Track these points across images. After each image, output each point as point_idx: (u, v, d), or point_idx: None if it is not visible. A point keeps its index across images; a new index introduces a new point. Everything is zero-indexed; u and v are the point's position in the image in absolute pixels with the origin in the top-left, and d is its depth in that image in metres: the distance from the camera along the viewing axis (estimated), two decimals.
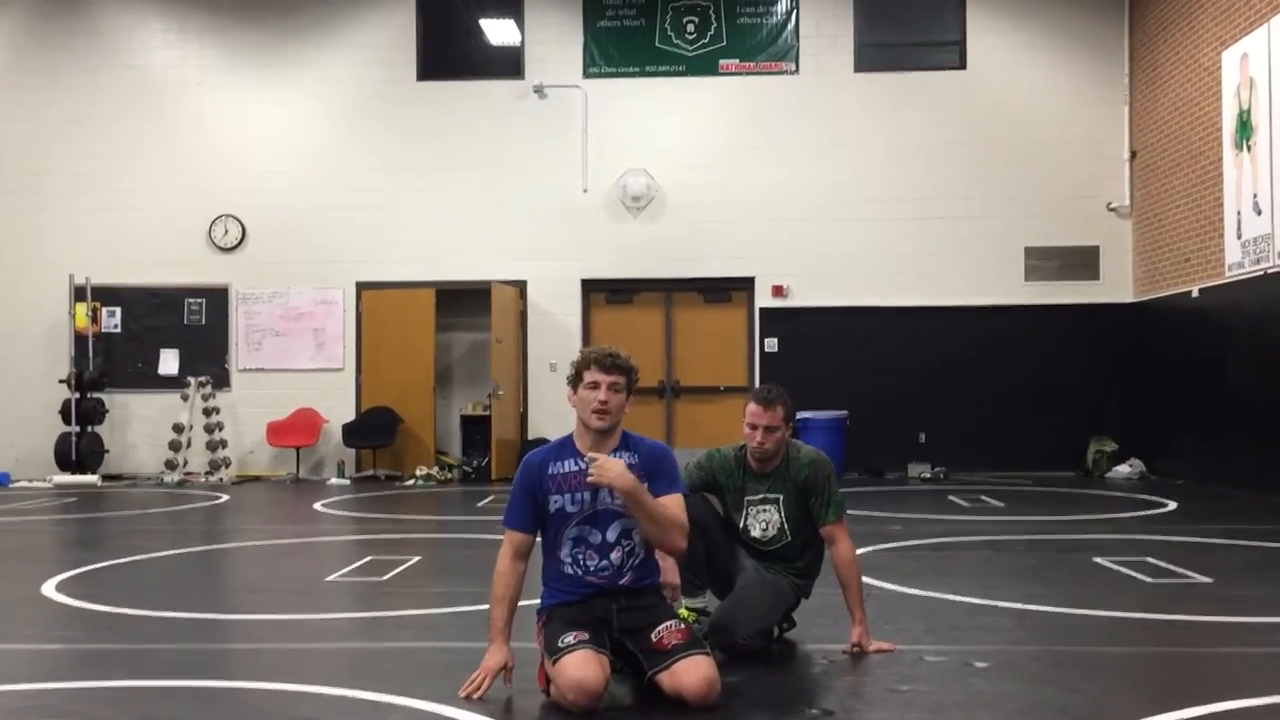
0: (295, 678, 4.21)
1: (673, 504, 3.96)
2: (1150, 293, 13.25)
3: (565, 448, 4.00)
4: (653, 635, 3.83)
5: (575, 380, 3.97)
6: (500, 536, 4.05)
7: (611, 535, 3.89)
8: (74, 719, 3.77)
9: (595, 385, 3.90)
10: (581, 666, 3.64)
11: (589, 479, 3.81)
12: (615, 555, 3.90)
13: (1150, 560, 6.79)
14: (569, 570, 3.92)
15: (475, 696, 3.79)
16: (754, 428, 4.54)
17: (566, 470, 3.94)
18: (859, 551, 5.35)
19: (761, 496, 4.63)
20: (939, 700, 3.89)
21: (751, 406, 4.57)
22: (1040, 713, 3.76)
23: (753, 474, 4.64)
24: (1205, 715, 3.68)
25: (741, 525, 4.66)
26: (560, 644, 3.73)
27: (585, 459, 3.91)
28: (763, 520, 4.63)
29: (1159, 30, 13.00)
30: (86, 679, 4.27)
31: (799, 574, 4.68)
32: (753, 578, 4.58)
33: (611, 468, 3.78)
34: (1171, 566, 6.59)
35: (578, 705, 3.63)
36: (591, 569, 3.91)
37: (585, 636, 3.75)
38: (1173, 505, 10.12)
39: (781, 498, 4.61)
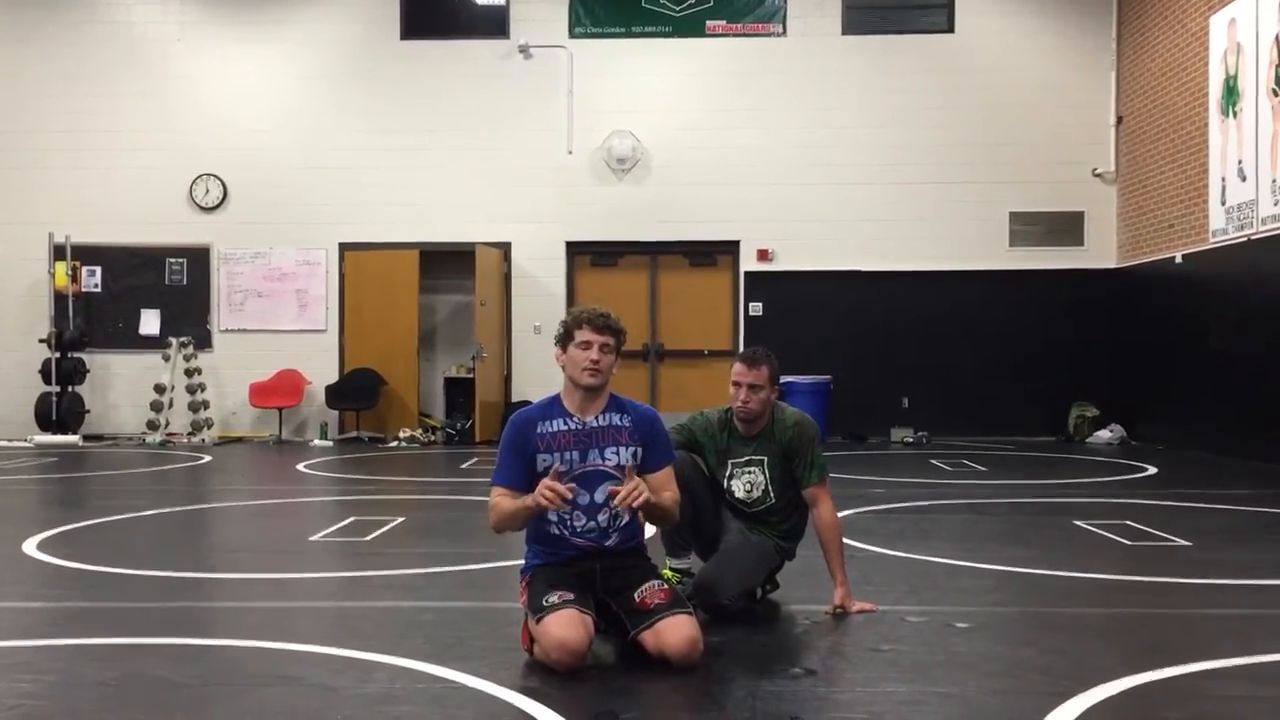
0: (279, 636, 4.22)
1: (667, 479, 4.02)
2: (1134, 259, 13.29)
3: (554, 407, 3.98)
4: (636, 595, 3.84)
5: (565, 339, 3.95)
6: (484, 497, 4.04)
7: (600, 496, 3.89)
8: (56, 676, 3.76)
9: (587, 345, 3.88)
10: (565, 625, 3.64)
11: (614, 502, 3.79)
12: (602, 517, 3.90)
13: (1130, 524, 6.84)
14: (555, 530, 3.92)
15: (568, 493, 3.71)
16: (738, 386, 4.53)
17: (555, 429, 3.91)
18: (842, 514, 5.38)
19: (746, 459, 4.62)
20: (921, 660, 3.91)
21: (737, 365, 4.56)
22: (1021, 672, 3.79)
23: (738, 436, 4.63)
24: (1184, 675, 3.72)
25: (725, 486, 4.66)
26: (544, 603, 3.73)
27: (573, 420, 3.91)
28: (746, 482, 4.62)
29: None
30: (68, 636, 4.26)
31: (783, 536, 4.69)
32: (737, 539, 4.59)
33: (629, 496, 3.75)
34: (1151, 530, 6.64)
35: (561, 664, 3.64)
36: (578, 529, 3.91)
37: (570, 596, 3.75)
38: (1153, 470, 10.20)
39: (766, 459, 4.60)
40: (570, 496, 3.74)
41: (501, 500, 3.88)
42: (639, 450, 3.96)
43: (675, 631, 3.71)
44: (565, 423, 3.92)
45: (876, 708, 3.41)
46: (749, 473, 4.62)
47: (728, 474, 4.64)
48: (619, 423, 3.95)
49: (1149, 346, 12.85)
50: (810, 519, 4.64)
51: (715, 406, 4.75)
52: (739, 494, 4.64)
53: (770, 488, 4.61)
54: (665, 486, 4.02)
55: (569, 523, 3.91)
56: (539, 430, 3.91)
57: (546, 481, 3.72)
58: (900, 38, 13.91)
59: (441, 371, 14.46)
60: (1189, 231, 11.88)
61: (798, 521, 4.70)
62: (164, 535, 7.12)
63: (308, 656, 3.96)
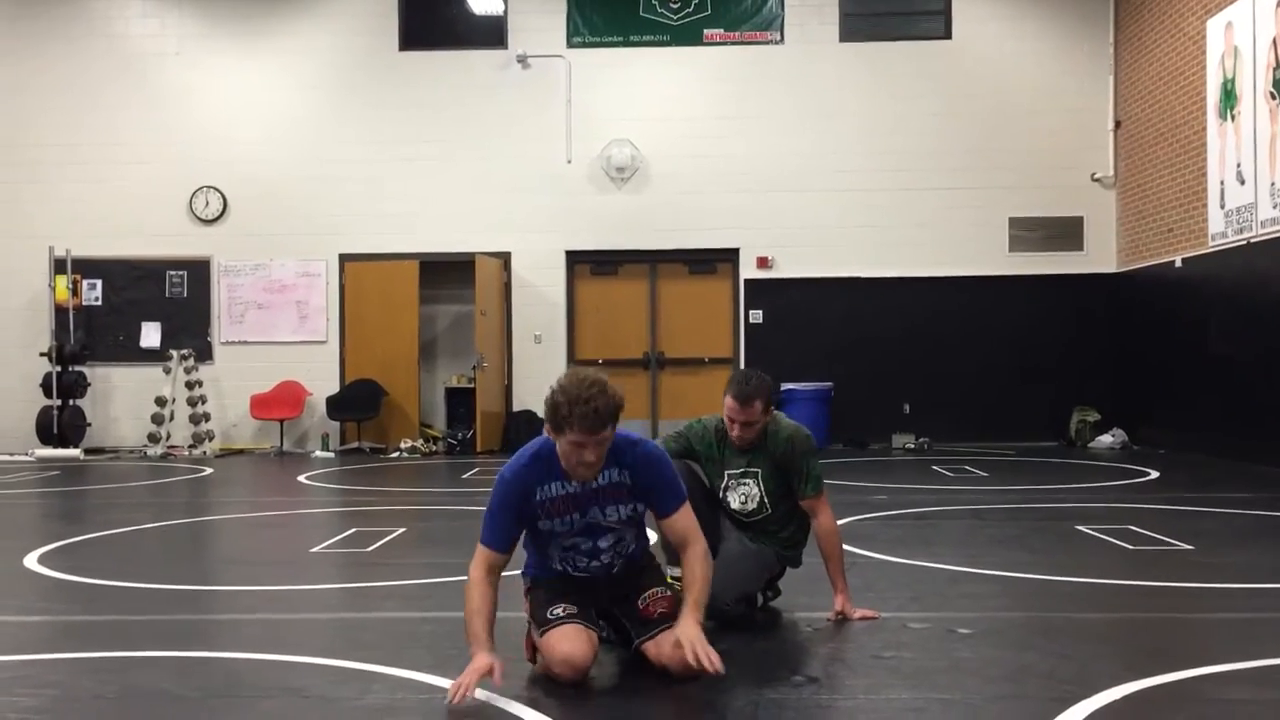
0: (280, 648, 4.21)
1: (686, 522, 3.75)
2: (1134, 263, 13.29)
3: (551, 467, 3.65)
4: (640, 602, 3.81)
5: (554, 429, 3.56)
6: (486, 507, 4.02)
7: (604, 544, 3.79)
8: (57, 690, 3.75)
9: (580, 445, 3.52)
10: (570, 641, 3.63)
11: (683, 661, 3.56)
12: (606, 556, 3.82)
13: (1132, 528, 6.83)
14: (557, 566, 3.85)
15: (458, 700, 3.42)
16: (732, 421, 4.48)
17: (555, 494, 3.69)
18: (845, 520, 5.39)
19: (741, 470, 4.60)
20: (923, 666, 3.91)
21: (729, 401, 4.45)
22: (1024, 678, 3.78)
23: (732, 448, 4.61)
24: (1187, 679, 3.71)
25: (721, 496, 4.65)
26: (549, 615, 3.70)
27: (572, 484, 3.68)
28: (741, 494, 4.60)
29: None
30: (69, 650, 4.25)
31: (784, 545, 4.67)
32: (735, 548, 4.57)
33: (697, 644, 3.54)
34: (1153, 534, 6.63)
35: (564, 678, 3.63)
36: (582, 567, 3.84)
37: (574, 609, 3.73)
38: (1154, 474, 10.19)
39: (760, 472, 4.58)
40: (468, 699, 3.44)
41: (474, 595, 3.60)
42: (637, 505, 3.76)
43: (677, 642, 3.69)
44: (564, 487, 3.68)
45: (879, 715, 3.41)
46: (744, 485, 4.60)
47: (724, 484, 4.63)
48: (618, 479, 3.70)
49: (1150, 351, 12.84)
50: (812, 528, 4.62)
51: (712, 414, 4.72)
52: (735, 505, 4.63)
53: (766, 500, 4.59)
54: (686, 531, 3.75)
55: (573, 561, 3.83)
56: (538, 497, 3.68)
57: (471, 679, 3.46)
58: (898, 44, 13.92)
59: (442, 382, 14.45)
60: (1188, 235, 11.88)
61: (797, 529, 4.69)
62: (165, 548, 7.11)
63: (309, 668, 3.95)
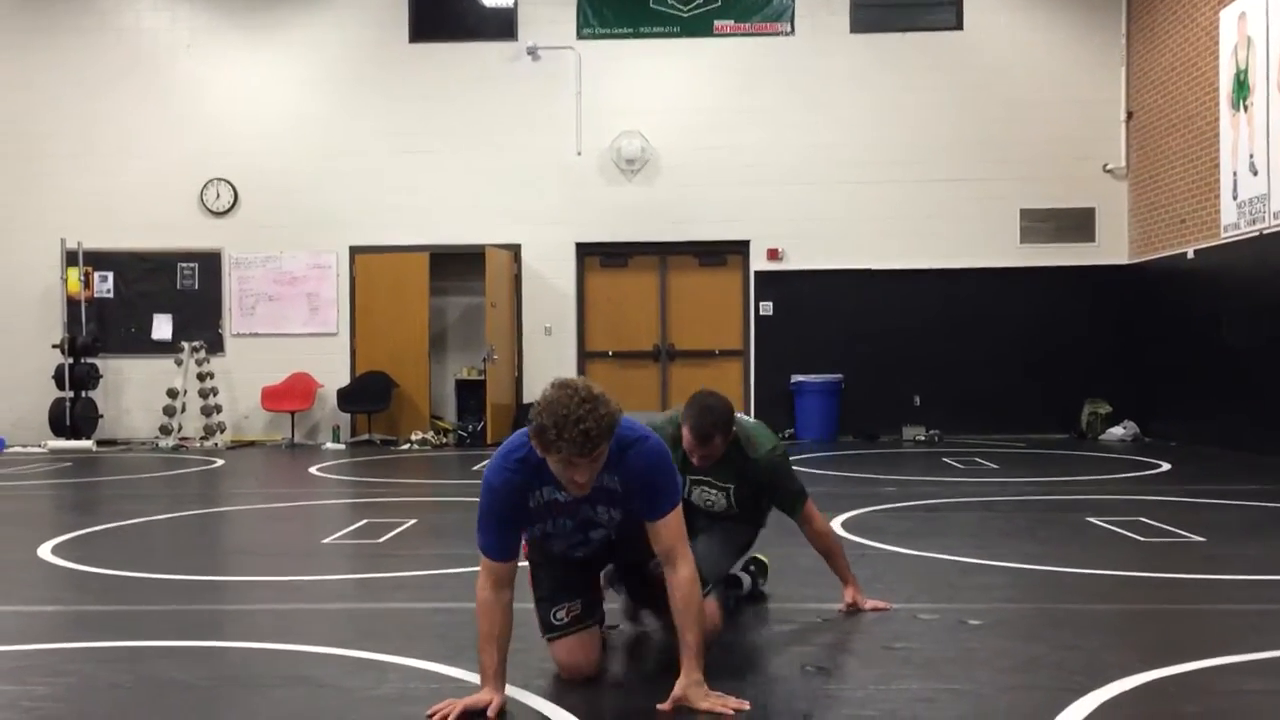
0: (292, 638, 4.23)
1: (676, 531, 3.42)
2: (1146, 254, 13.24)
3: (542, 473, 3.39)
4: (653, 566, 3.62)
5: (541, 448, 3.26)
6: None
7: (596, 534, 3.70)
8: (71, 679, 3.78)
9: (571, 464, 3.22)
10: (576, 653, 3.65)
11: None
12: (599, 540, 3.73)
13: (1143, 520, 6.82)
14: (555, 552, 3.79)
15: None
16: (691, 450, 4.28)
17: (547, 499, 3.48)
18: (856, 512, 5.37)
19: (708, 480, 4.44)
20: (933, 657, 3.91)
21: (687, 435, 4.22)
22: (1034, 668, 3.78)
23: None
24: (1198, 670, 3.71)
25: (685, 494, 4.42)
26: (553, 619, 3.70)
27: (564, 492, 3.47)
28: (707, 499, 4.47)
29: None
30: (83, 640, 4.28)
31: (755, 524, 4.61)
32: (702, 537, 4.47)
33: (704, 704, 3.26)
34: (1164, 526, 6.61)
35: (573, 681, 3.65)
36: (577, 549, 3.78)
37: (577, 609, 3.71)
38: (1166, 466, 10.16)
39: (731, 489, 4.42)
40: None
41: (483, 621, 3.36)
42: (627, 508, 3.59)
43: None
44: (555, 492, 3.46)
45: (889, 705, 3.41)
46: (709, 494, 4.46)
47: (685, 485, 4.42)
48: (609, 484, 3.45)
49: (1161, 343, 12.81)
50: (805, 534, 4.52)
51: (670, 414, 4.46)
52: (699, 505, 4.48)
53: (734, 506, 4.47)
54: (673, 543, 3.41)
55: (568, 550, 3.75)
56: (531, 504, 3.51)
57: (459, 705, 3.29)
58: (909, 35, 13.88)
59: (452, 374, 14.48)
60: (1201, 226, 11.84)
61: (764, 511, 4.60)
62: (178, 539, 7.14)
63: (322, 658, 3.97)
